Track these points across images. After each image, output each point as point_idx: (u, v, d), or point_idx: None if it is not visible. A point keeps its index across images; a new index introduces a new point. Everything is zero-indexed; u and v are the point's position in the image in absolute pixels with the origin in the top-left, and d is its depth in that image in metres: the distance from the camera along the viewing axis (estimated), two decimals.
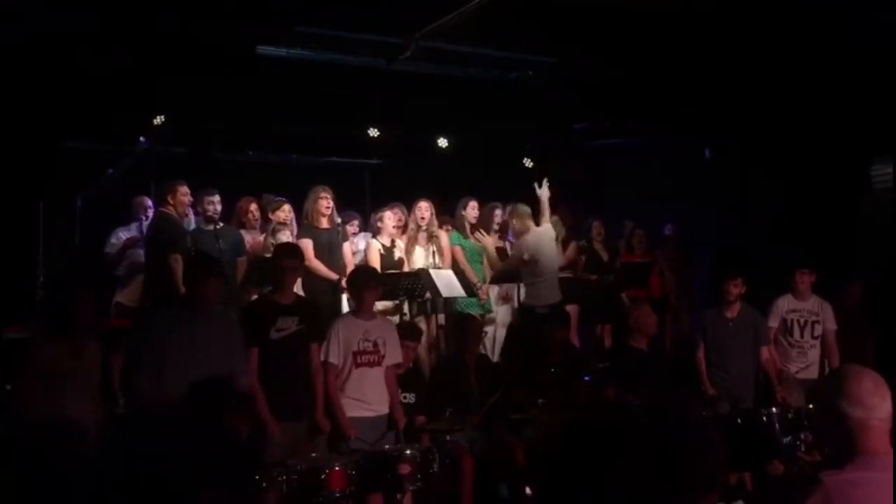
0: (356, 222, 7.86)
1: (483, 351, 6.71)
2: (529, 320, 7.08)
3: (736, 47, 7.17)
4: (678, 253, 9.13)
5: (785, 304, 6.65)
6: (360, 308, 5.37)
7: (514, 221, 7.44)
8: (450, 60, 8.07)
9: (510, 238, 8.04)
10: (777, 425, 5.07)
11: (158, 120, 8.17)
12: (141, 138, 8.06)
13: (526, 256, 7.19)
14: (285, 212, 7.05)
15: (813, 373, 6.66)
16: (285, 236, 6.78)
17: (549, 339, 6.19)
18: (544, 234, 7.30)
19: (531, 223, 7.32)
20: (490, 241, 7.52)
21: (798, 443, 4.95)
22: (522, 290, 7.44)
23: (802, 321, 6.63)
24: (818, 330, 6.62)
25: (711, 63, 7.54)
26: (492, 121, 9.24)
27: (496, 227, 7.91)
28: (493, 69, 8.47)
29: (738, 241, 8.81)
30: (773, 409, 5.23)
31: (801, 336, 6.61)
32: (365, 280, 5.47)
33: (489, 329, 7.34)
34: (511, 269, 7.41)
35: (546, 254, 7.23)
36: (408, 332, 5.79)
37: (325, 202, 6.85)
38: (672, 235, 9.33)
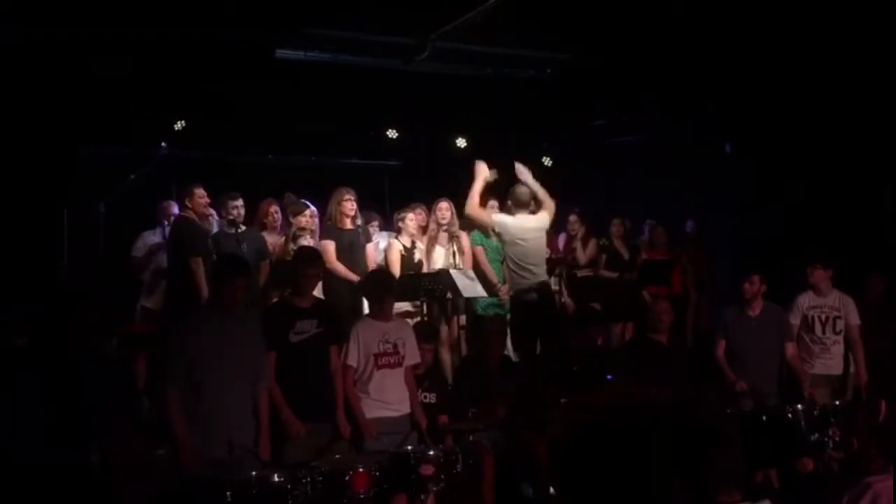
0: (376, 223, 7.89)
1: (505, 351, 6.70)
2: (521, 309, 6.93)
3: (757, 39, 7.11)
4: (699, 249, 9.08)
5: (805, 300, 6.57)
6: (380, 311, 5.39)
7: (509, 203, 7.24)
8: (466, 60, 8.07)
9: None
10: (803, 422, 5.03)
11: (179, 124, 8.24)
12: (162, 143, 8.14)
13: (494, 217, 6.99)
14: (306, 216, 7.07)
15: (837, 369, 6.59)
16: (306, 241, 6.80)
17: (577, 338, 6.17)
18: (520, 218, 7.03)
19: (520, 211, 7.08)
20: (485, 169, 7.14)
21: (826, 439, 4.91)
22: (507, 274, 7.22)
23: (824, 317, 6.55)
24: (840, 325, 6.54)
25: (730, 57, 7.48)
26: (510, 120, 9.24)
27: None
28: (509, 68, 8.46)
29: (758, 236, 8.73)
30: (799, 406, 5.19)
31: (823, 332, 6.54)
32: (384, 286, 5.50)
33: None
34: (482, 216, 7.09)
35: (524, 237, 6.91)
36: (423, 333, 5.80)
37: (349, 204, 6.88)
38: (693, 232, 9.29)
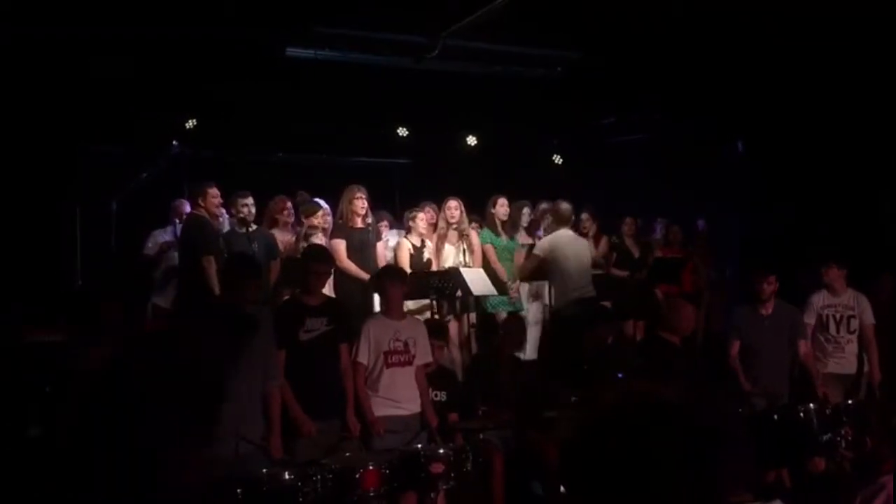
0: (386, 222, 7.89)
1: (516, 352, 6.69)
2: (559, 322, 7.07)
3: (766, 41, 7.07)
4: (709, 248, 9.05)
5: (819, 299, 6.54)
6: (389, 307, 5.39)
7: (550, 219, 7.45)
8: (477, 58, 8.06)
9: (539, 235, 8.04)
10: (815, 421, 5.00)
11: (190, 123, 8.26)
12: (174, 142, 8.17)
13: (538, 252, 7.24)
14: (319, 217, 7.07)
15: (850, 368, 6.55)
16: (317, 239, 6.81)
17: (588, 336, 6.17)
18: (563, 236, 7.26)
19: (559, 227, 7.31)
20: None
21: (839, 439, 4.87)
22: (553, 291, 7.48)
23: (838, 316, 6.51)
24: (854, 324, 6.50)
25: (739, 57, 7.44)
26: (520, 118, 9.22)
27: (524, 224, 7.90)
28: (519, 66, 8.44)
29: (767, 235, 8.69)
30: (811, 405, 5.16)
31: (837, 331, 6.50)
32: (386, 275, 5.52)
33: None
34: (530, 267, 7.39)
35: (566, 254, 7.15)
36: (434, 331, 5.81)
37: (361, 202, 6.87)
38: (704, 231, 9.26)
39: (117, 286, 7.07)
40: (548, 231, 7.58)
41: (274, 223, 7.30)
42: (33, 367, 4.67)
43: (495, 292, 7.05)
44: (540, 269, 7.35)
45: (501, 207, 7.68)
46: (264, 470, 4.08)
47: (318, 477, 4.06)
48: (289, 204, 7.39)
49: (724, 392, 5.96)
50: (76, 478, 4.14)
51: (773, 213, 8.85)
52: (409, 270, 6.84)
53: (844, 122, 7.97)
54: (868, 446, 4.82)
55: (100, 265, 7.59)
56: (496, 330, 6.53)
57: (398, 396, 5.22)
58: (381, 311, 5.56)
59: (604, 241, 8.54)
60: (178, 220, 7.43)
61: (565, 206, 7.35)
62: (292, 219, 7.38)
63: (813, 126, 8.18)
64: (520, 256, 7.64)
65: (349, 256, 6.75)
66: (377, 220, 7.44)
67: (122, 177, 8.00)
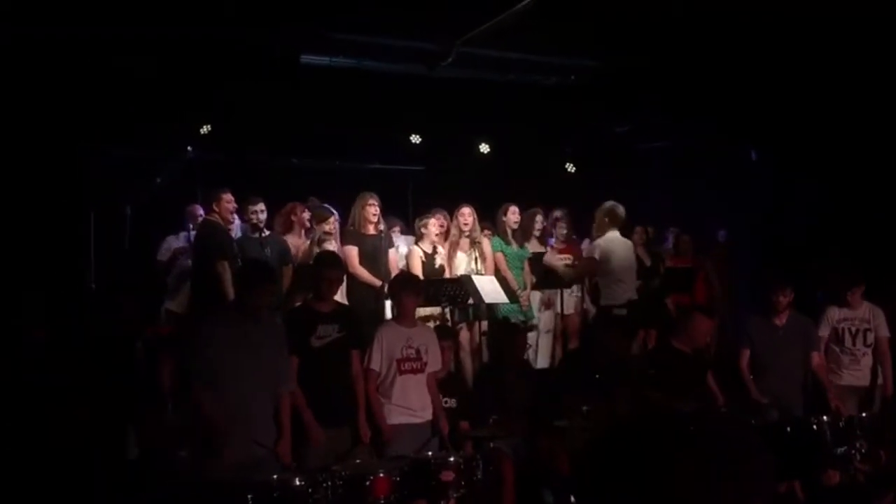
0: (397, 228, 7.90)
1: (525, 357, 6.67)
2: (606, 321, 7.15)
3: (780, 48, 7.05)
4: (726, 258, 9.00)
5: (836, 313, 6.48)
6: (402, 314, 5.39)
7: (605, 219, 7.46)
8: (491, 66, 8.08)
9: (551, 243, 8.02)
10: (828, 434, 4.96)
11: (205, 129, 8.31)
12: (188, 147, 8.21)
13: (595, 255, 7.32)
14: (330, 223, 7.09)
15: (865, 380, 6.50)
16: (330, 245, 6.82)
17: (598, 345, 6.16)
18: (615, 237, 7.37)
19: (612, 227, 7.38)
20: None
21: (853, 452, 4.83)
22: (565, 295, 7.45)
23: (854, 329, 6.46)
24: (870, 338, 6.45)
25: (754, 65, 7.42)
26: (533, 126, 9.23)
27: (537, 232, 7.90)
28: (533, 74, 8.45)
29: (782, 244, 8.64)
30: (824, 418, 5.12)
31: (853, 344, 6.45)
32: (402, 284, 5.52)
33: (531, 335, 7.31)
34: (585, 271, 7.52)
35: (619, 255, 7.29)
36: (440, 332, 5.80)
37: (373, 209, 6.89)
38: (724, 241, 9.23)
39: (132, 284, 7.14)
40: (598, 231, 7.55)
41: (288, 228, 7.31)
42: (37, 366, 4.69)
43: (507, 300, 7.04)
44: (590, 269, 7.48)
45: (512, 215, 7.68)
46: (275, 476, 4.08)
47: (329, 483, 4.05)
48: (301, 207, 7.41)
49: (737, 402, 5.92)
50: (76, 478, 4.16)
51: (787, 222, 8.80)
52: (421, 277, 6.85)
53: (861, 130, 7.92)
54: (882, 460, 4.78)
55: (114, 270, 7.63)
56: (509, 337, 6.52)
57: (411, 404, 5.22)
58: (393, 318, 5.57)
59: None
60: (192, 226, 7.47)
61: (621, 207, 7.43)
62: (308, 224, 7.39)
63: (827, 134, 8.13)
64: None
65: (361, 263, 6.76)
66: (389, 227, 7.45)
67: (137, 182, 8.05)
